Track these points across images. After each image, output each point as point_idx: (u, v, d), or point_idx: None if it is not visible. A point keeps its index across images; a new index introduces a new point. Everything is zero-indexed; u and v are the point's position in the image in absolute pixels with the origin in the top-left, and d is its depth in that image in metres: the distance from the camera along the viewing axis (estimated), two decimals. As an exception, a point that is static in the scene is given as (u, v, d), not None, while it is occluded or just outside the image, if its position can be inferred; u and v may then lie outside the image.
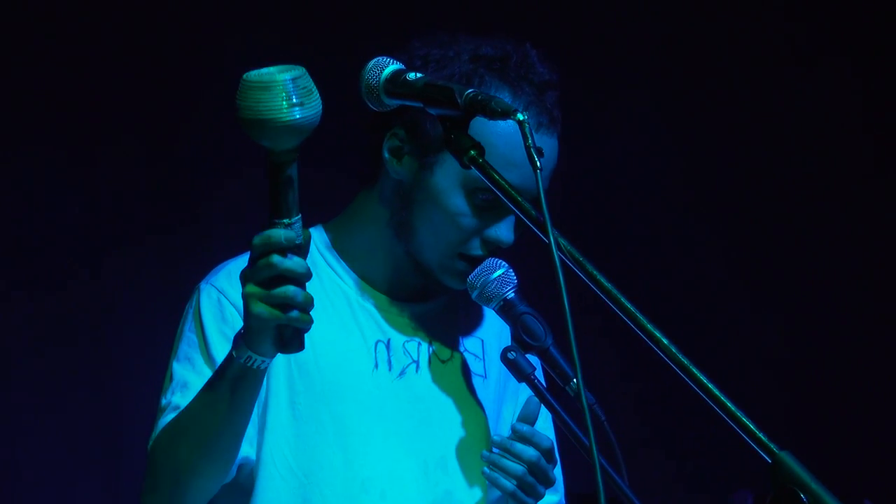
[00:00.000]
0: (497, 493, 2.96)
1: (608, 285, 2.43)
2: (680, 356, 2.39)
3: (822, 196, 5.92)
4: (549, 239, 2.38)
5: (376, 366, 3.01)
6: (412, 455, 3.04)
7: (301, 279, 2.49)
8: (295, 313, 2.49)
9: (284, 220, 2.49)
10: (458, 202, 2.90)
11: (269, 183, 2.48)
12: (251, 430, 2.91)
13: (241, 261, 2.83)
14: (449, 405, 3.06)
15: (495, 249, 2.92)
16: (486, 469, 2.86)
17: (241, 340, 2.57)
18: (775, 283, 5.79)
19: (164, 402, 2.93)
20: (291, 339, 2.55)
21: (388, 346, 3.03)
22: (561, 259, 2.39)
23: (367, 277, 3.02)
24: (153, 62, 5.17)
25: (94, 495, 5.18)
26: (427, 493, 3.05)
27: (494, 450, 2.86)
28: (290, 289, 2.48)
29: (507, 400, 3.12)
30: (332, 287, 3.02)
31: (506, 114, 2.45)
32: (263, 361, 2.58)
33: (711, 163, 5.80)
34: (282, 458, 2.99)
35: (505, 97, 2.81)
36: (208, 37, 5.20)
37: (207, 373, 2.87)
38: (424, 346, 3.06)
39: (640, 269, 5.45)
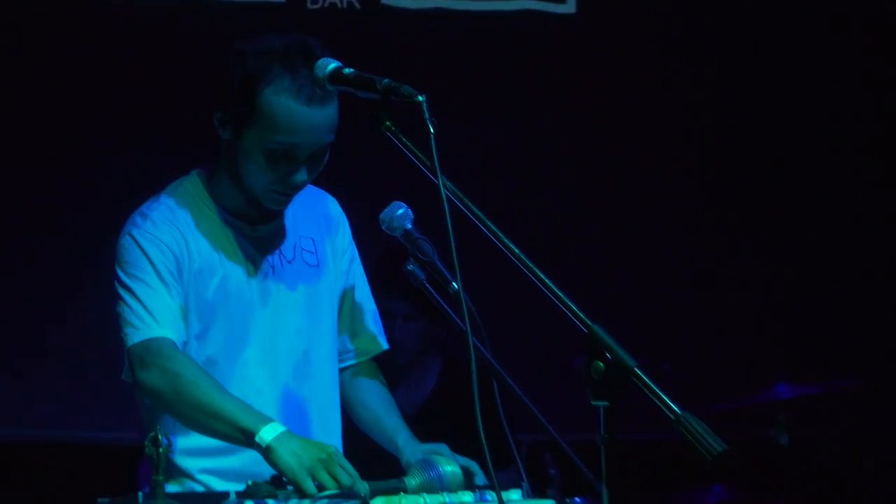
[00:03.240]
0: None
1: (478, 212, 3.07)
2: (527, 261, 2.99)
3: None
4: (437, 180, 3.04)
5: (248, 274, 3.63)
6: (282, 328, 3.65)
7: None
8: None
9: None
10: (260, 160, 3.52)
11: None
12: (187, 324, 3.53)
13: (160, 204, 3.64)
14: (300, 290, 3.70)
15: (298, 186, 3.57)
16: None
17: (267, 440, 3.30)
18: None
19: (131, 317, 3.53)
20: None
21: (253, 259, 3.64)
22: (447, 195, 3.04)
23: (232, 211, 3.63)
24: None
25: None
26: (292, 353, 3.67)
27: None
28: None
29: (339, 277, 3.81)
30: (211, 221, 3.62)
31: (410, 97, 3.09)
32: None
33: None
34: (192, 347, 3.58)
35: (284, 79, 3.47)
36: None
37: (160, 287, 3.52)
38: (276, 253, 3.67)
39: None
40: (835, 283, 6.54)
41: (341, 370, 3.78)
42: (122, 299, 3.51)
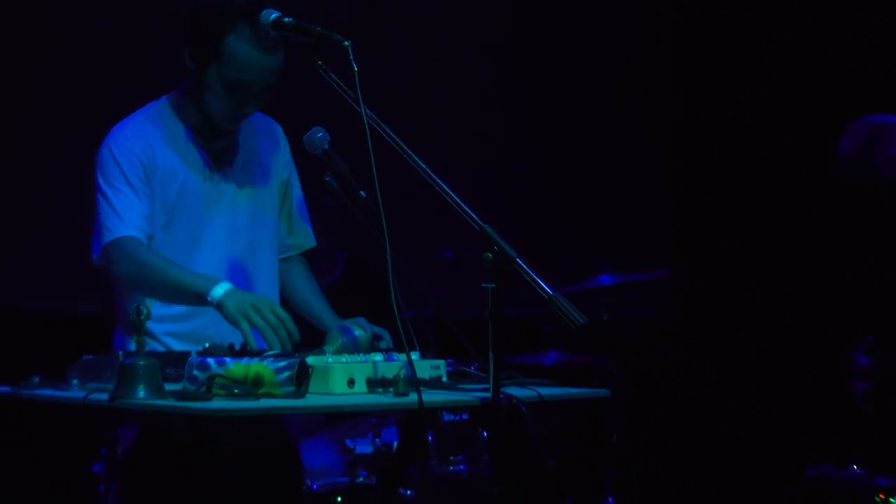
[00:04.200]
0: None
1: (392, 134, 3.22)
2: (433, 174, 3.15)
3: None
4: (360, 109, 3.20)
5: (205, 178, 3.79)
6: (231, 222, 3.78)
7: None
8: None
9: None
10: (219, 91, 3.66)
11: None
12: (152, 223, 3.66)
13: (134, 120, 3.75)
14: (246, 189, 3.85)
15: (247, 114, 3.71)
16: None
17: (217, 297, 3.38)
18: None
19: (103, 219, 3.63)
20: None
21: (210, 166, 3.79)
22: (368, 121, 3.21)
23: (193, 128, 3.77)
24: None
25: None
26: (240, 242, 3.80)
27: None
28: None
29: (280, 184, 3.92)
30: (176, 136, 3.76)
31: (339, 42, 3.26)
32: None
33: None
34: (160, 237, 3.70)
35: (245, 30, 3.57)
36: None
37: (129, 192, 3.65)
38: (229, 163, 3.82)
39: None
40: (649, 194, 6.69)
41: (280, 260, 3.97)
42: (98, 202, 3.69)
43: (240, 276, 3.79)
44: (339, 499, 4.52)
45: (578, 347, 5.22)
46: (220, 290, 3.45)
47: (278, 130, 3.96)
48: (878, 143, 4.51)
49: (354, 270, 5.42)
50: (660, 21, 6.85)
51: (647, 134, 6.82)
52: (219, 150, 3.80)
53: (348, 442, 4.68)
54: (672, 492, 6.38)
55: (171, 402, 3.00)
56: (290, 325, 3.38)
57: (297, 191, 3.98)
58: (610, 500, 5.11)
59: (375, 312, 3.59)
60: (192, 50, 3.66)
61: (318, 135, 3.62)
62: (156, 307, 3.64)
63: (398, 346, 3.38)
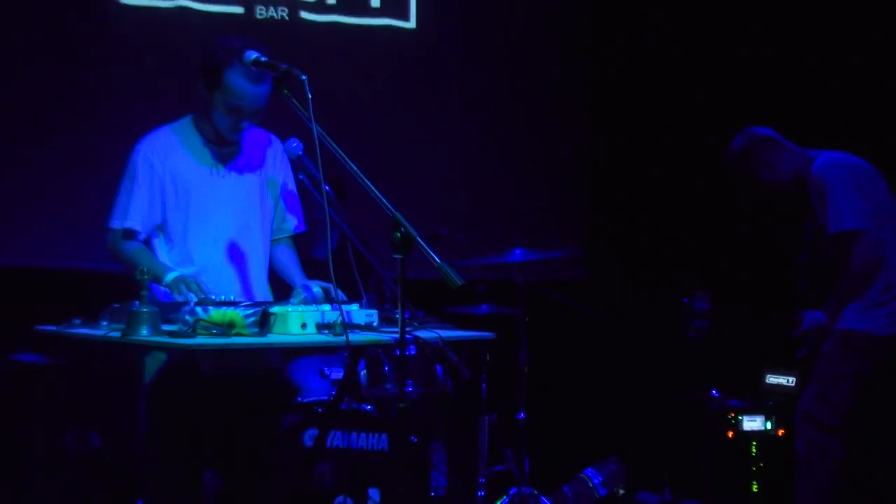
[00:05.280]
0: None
1: (339, 148, 3.43)
2: (363, 176, 3.30)
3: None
4: (311, 124, 3.41)
5: (213, 174, 3.99)
6: (233, 208, 3.96)
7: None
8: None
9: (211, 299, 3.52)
10: (222, 111, 3.90)
11: None
12: (152, 215, 3.89)
13: (162, 130, 3.97)
14: (246, 186, 4.04)
15: (243, 129, 3.87)
16: None
17: (166, 281, 3.65)
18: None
19: (116, 207, 3.92)
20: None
21: (217, 165, 4.01)
22: (318, 136, 3.42)
23: (206, 136, 4.02)
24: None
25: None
26: (237, 223, 3.95)
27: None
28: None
29: (274, 182, 4.10)
30: (193, 142, 4.01)
31: (297, 76, 3.51)
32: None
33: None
34: (173, 227, 3.93)
35: (238, 66, 3.77)
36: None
37: (136, 194, 3.89)
38: (233, 163, 4.03)
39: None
40: (558, 185, 6.78)
41: (273, 241, 4.18)
42: (119, 189, 4.02)
43: (236, 250, 3.99)
44: (319, 409, 4.79)
45: (500, 302, 5.39)
46: (169, 277, 3.77)
47: (276, 141, 4.17)
48: (757, 150, 4.87)
49: (343, 248, 5.58)
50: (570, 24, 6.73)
51: (559, 137, 6.66)
52: (226, 154, 4.05)
53: (325, 370, 5.00)
54: (570, 411, 6.43)
55: (165, 339, 3.27)
56: (195, 286, 3.64)
57: (288, 186, 4.15)
58: (521, 414, 5.30)
59: (361, 274, 3.81)
60: (202, 81, 3.96)
61: (294, 144, 3.91)
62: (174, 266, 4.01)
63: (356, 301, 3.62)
